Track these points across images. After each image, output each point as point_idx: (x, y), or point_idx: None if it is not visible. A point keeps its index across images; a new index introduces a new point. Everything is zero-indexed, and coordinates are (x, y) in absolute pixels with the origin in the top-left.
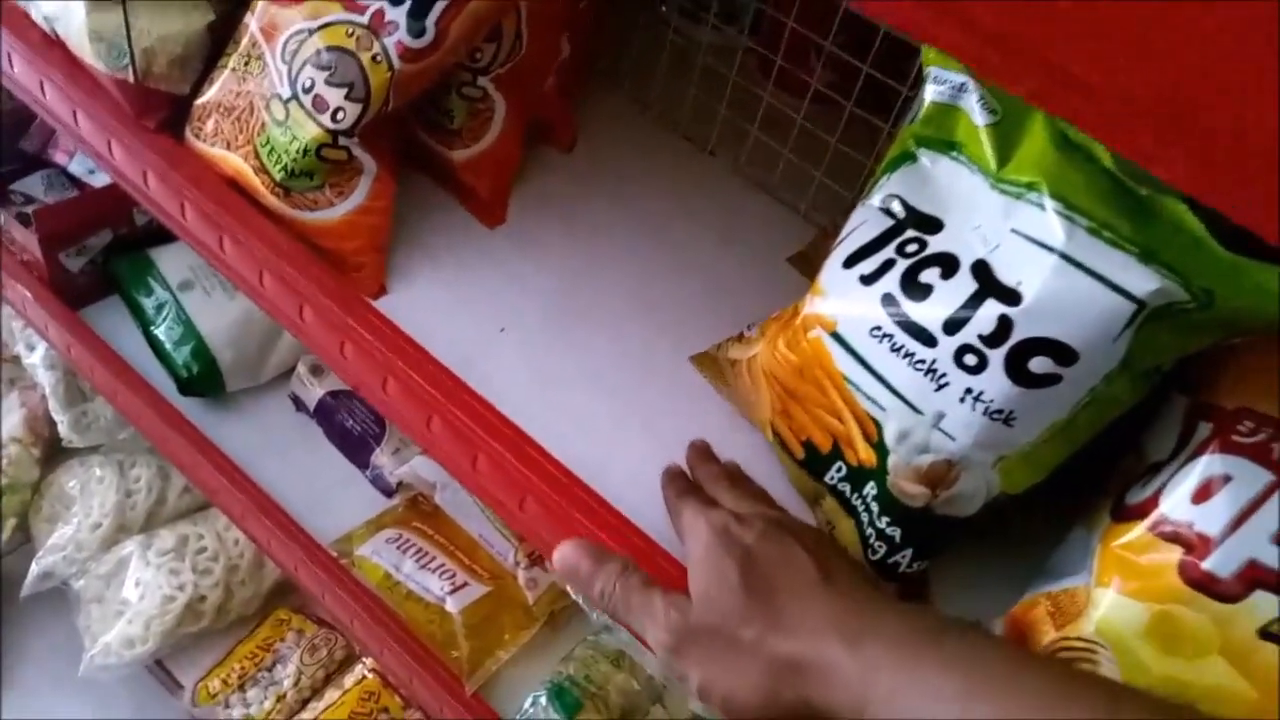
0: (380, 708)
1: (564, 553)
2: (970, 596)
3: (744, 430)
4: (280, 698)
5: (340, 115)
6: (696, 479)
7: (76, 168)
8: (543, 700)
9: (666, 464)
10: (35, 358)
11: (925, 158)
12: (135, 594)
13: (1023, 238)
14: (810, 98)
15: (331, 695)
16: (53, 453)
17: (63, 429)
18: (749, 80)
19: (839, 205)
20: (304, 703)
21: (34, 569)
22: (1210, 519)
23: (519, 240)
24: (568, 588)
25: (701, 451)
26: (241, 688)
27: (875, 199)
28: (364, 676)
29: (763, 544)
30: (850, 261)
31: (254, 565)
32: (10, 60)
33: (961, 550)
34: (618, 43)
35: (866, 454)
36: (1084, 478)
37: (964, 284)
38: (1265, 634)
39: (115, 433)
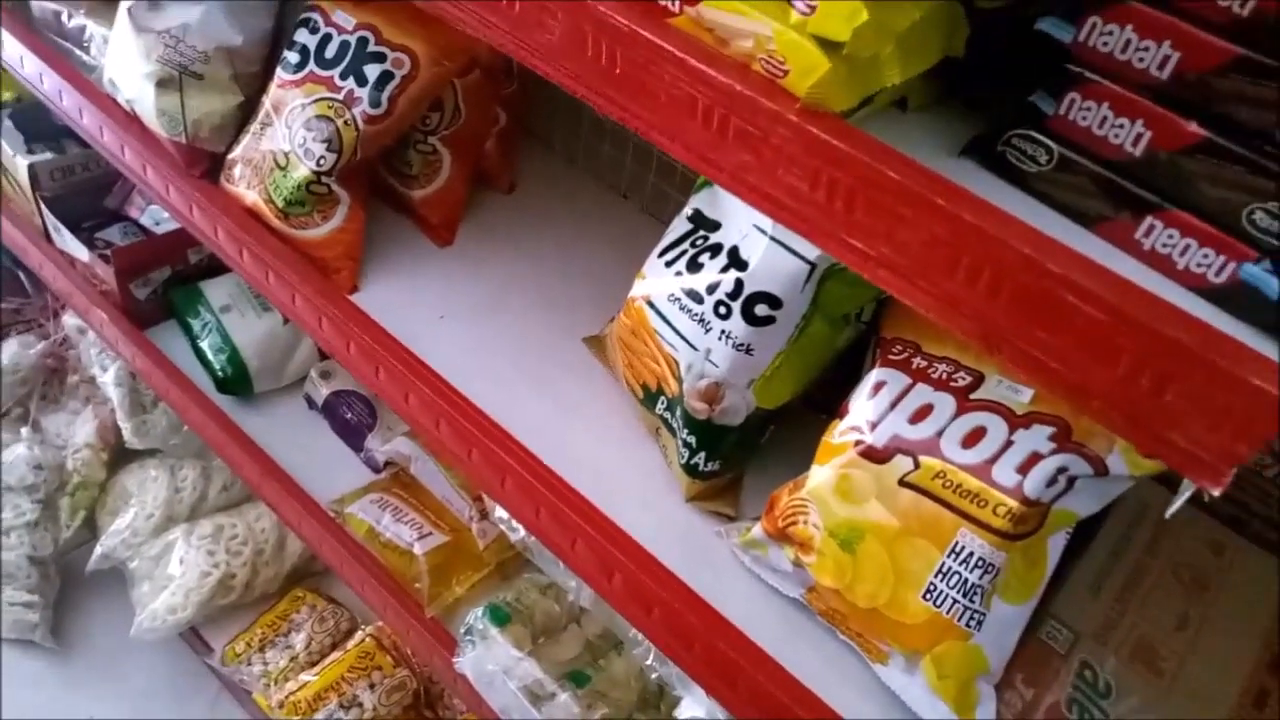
0: (374, 665)
1: None
2: (770, 485)
3: (612, 386)
4: (293, 658)
5: (322, 161)
6: None
7: (146, 220)
8: (479, 613)
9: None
10: (107, 377)
11: None
12: (178, 570)
13: (756, 229)
14: None
15: (335, 656)
16: (117, 458)
17: (126, 434)
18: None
19: None
20: (313, 663)
21: (97, 550)
22: (874, 410)
23: (463, 257)
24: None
25: None
26: (261, 650)
27: (685, 211)
28: (362, 640)
29: None
30: (663, 253)
31: (276, 550)
32: (102, 131)
33: (773, 463)
34: (551, 113)
35: (674, 386)
36: None
37: (721, 261)
38: (902, 482)
39: (168, 438)
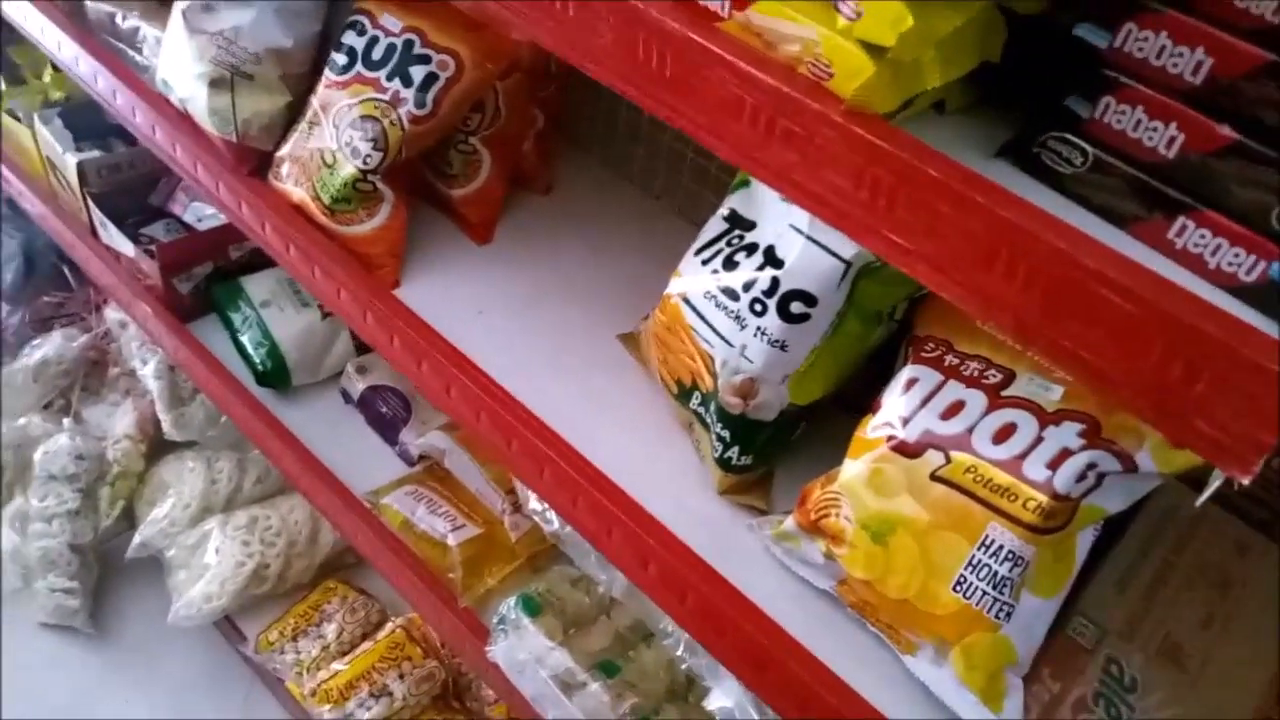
0: (404, 656)
1: None
2: (800, 481)
3: (646, 381)
4: (325, 648)
5: (369, 160)
6: None
7: (189, 217)
8: (512, 603)
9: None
10: (147, 370)
11: (755, 182)
12: (214, 560)
13: (792, 228)
14: None
15: (365, 646)
16: (156, 449)
17: (165, 425)
18: (680, 142)
19: None
20: (344, 653)
21: (135, 539)
22: (906, 406)
23: (500, 255)
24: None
25: None
26: (294, 639)
27: (721, 211)
28: (392, 631)
29: None
30: (699, 251)
31: (309, 541)
32: (154, 129)
33: (803, 460)
34: (588, 116)
35: (709, 382)
36: None
37: (757, 259)
38: (933, 477)
39: (206, 430)
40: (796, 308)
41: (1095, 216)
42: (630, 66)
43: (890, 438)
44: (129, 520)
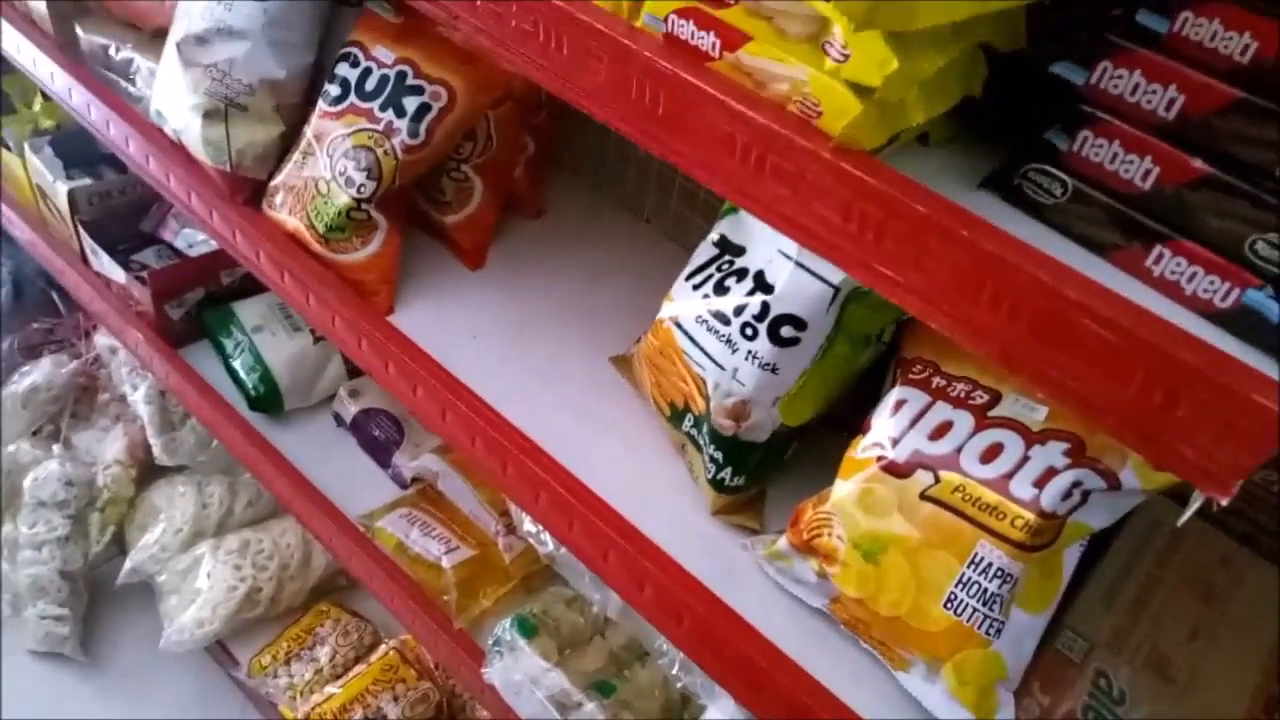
0: (398, 678)
1: None
2: (793, 501)
3: (639, 404)
4: (318, 671)
5: (362, 189)
6: None
7: (180, 243)
8: (507, 625)
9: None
10: (137, 395)
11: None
12: (206, 584)
13: (781, 254)
14: None
15: (359, 669)
16: (146, 474)
17: (156, 450)
18: (669, 167)
19: None
20: (337, 676)
21: (127, 565)
22: (895, 427)
23: (493, 280)
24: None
25: None
26: (287, 662)
27: (711, 236)
28: (386, 653)
29: None
30: (689, 276)
31: (302, 565)
32: (148, 159)
33: (795, 479)
34: (578, 142)
35: (701, 404)
36: None
37: (747, 285)
38: (923, 496)
39: (196, 455)
40: (787, 331)
41: (1075, 245)
42: (624, 104)
43: (880, 458)
44: (119, 546)
